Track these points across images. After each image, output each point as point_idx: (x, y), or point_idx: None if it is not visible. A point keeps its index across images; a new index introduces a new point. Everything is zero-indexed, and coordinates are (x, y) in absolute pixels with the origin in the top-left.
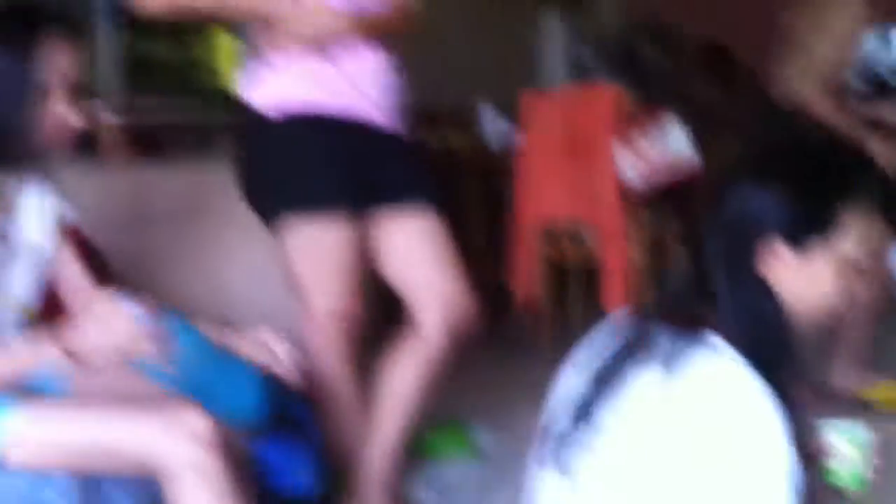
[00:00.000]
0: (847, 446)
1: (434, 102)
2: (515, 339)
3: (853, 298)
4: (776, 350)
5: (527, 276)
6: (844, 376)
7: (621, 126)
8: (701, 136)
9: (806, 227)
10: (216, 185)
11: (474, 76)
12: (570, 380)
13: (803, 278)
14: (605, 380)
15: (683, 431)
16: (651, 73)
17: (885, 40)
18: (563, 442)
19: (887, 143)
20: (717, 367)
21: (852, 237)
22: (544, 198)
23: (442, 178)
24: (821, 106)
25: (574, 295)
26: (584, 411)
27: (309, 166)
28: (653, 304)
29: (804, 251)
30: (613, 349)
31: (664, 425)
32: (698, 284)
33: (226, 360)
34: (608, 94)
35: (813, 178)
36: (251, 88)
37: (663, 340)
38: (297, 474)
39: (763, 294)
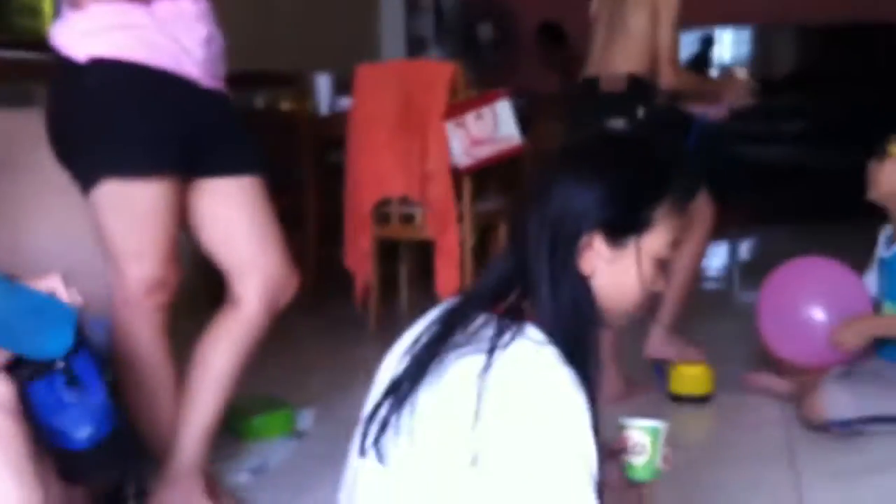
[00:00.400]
0: (643, 439)
1: (266, 66)
2: (345, 319)
3: (658, 288)
4: (588, 343)
5: (359, 253)
6: (659, 345)
7: (454, 104)
8: (531, 118)
9: (624, 226)
10: (26, 135)
11: (310, 44)
12: (392, 364)
13: (617, 272)
14: (424, 365)
15: (495, 419)
16: (487, 52)
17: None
18: (381, 427)
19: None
20: (532, 356)
21: (661, 233)
22: (376, 174)
23: (271, 141)
24: (674, 80)
25: (405, 274)
26: (402, 397)
27: (124, 123)
28: (475, 290)
29: (620, 247)
30: (435, 334)
31: (478, 412)
32: (519, 273)
33: (27, 295)
34: (444, 71)
35: (634, 179)
36: (61, 31)
37: (483, 328)
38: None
39: (580, 288)
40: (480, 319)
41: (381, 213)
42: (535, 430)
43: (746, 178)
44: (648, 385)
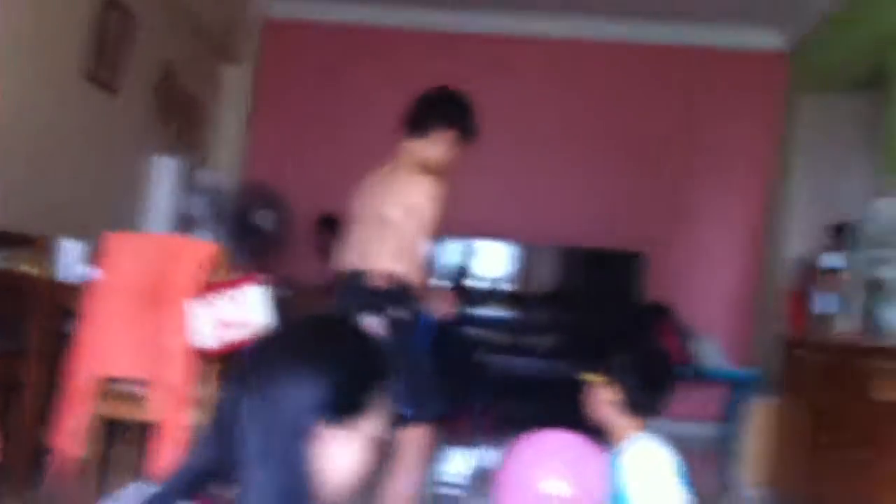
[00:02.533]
0: None
1: (9, 226)
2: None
3: (370, 465)
4: None
5: (72, 433)
6: None
7: (208, 283)
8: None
9: (345, 413)
10: None
11: (70, 207)
12: None
13: (336, 455)
14: None
15: None
16: (262, 239)
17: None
18: None
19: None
20: None
21: (377, 415)
22: (105, 349)
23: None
24: (416, 277)
25: (124, 455)
26: None
27: None
28: (178, 478)
29: (340, 429)
30: None
31: None
32: (224, 462)
33: None
34: (202, 250)
35: (354, 369)
36: None
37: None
38: None
39: (299, 476)
40: None
41: (106, 389)
42: None
43: (496, 386)
44: None
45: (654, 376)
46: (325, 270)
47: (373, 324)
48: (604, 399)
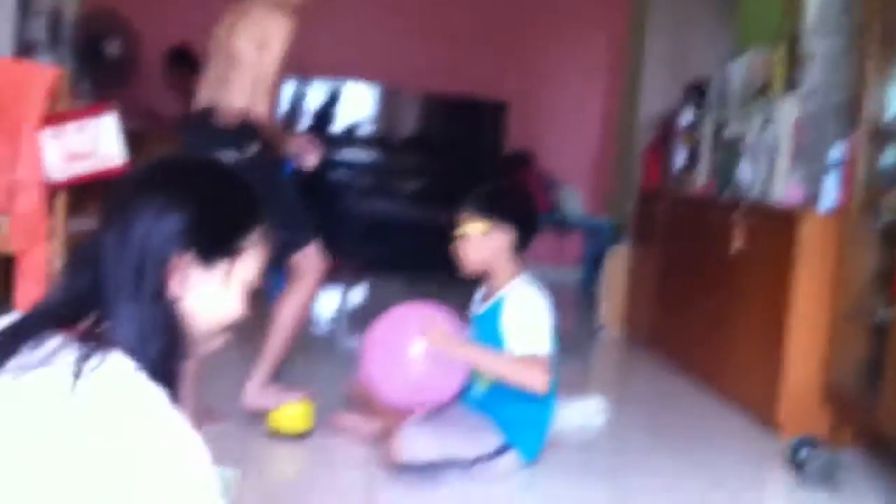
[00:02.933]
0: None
1: None
2: None
3: (242, 314)
4: (172, 370)
5: None
6: (256, 395)
7: (54, 113)
8: (145, 139)
9: (214, 252)
10: None
11: None
12: None
13: (206, 295)
14: None
15: (87, 449)
16: (112, 68)
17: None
18: None
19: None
20: (127, 382)
21: (251, 260)
22: None
23: None
24: (267, 116)
25: None
26: None
27: None
28: (44, 308)
29: (210, 270)
30: None
31: (60, 442)
32: (94, 295)
33: None
34: (46, 75)
35: (221, 209)
36: None
37: (60, 350)
38: None
39: (166, 312)
40: (55, 341)
41: None
42: (147, 459)
43: (362, 230)
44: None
45: (532, 215)
46: (182, 106)
47: (227, 161)
48: (493, 245)
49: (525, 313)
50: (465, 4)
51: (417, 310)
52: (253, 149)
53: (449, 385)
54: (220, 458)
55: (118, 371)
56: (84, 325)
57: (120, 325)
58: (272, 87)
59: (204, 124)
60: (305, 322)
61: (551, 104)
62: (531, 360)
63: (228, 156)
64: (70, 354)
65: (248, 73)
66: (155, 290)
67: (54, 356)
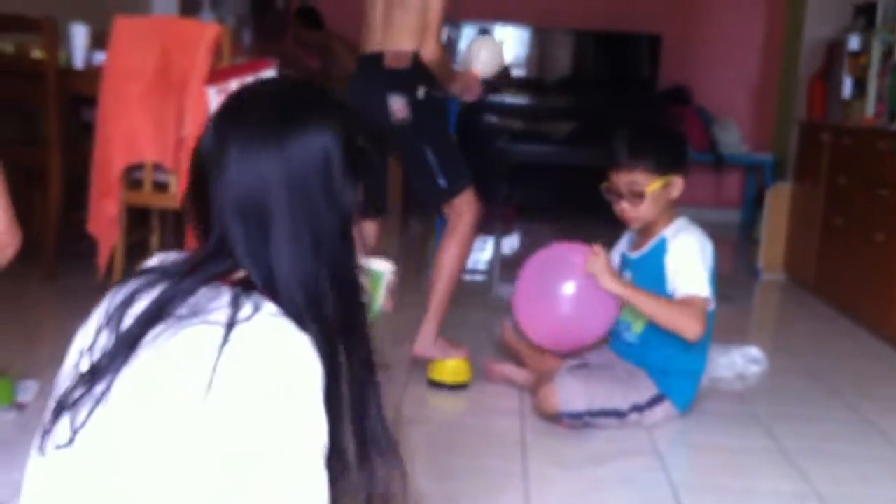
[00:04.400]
0: (364, 281)
1: (16, 9)
2: (87, 288)
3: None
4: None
5: (104, 219)
6: (427, 344)
7: (218, 69)
8: None
9: (355, 179)
10: None
11: None
12: (87, 341)
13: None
14: (135, 341)
15: (232, 396)
16: (275, 19)
17: None
18: (72, 413)
19: None
20: (279, 334)
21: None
22: (128, 137)
23: (17, 91)
24: (436, 57)
25: (156, 244)
26: (100, 375)
27: None
28: (194, 261)
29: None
30: (150, 305)
31: (211, 385)
32: (222, 239)
33: None
34: (208, 32)
35: (359, 130)
36: None
37: (211, 300)
38: None
39: (343, 250)
40: (205, 291)
41: (133, 178)
42: (271, 410)
43: (515, 174)
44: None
45: (686, 161)
46: (310, 61)
47: (398, 104)
48: (667, 198)
49: (689, 254)
50: None
51: (574, 247)
52: (422, 92)
53: (599, 325)
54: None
55: (269, 323)
56: (235, 275)
57: (279, 264)
58: (438, 28)
59: (374, 69)
60: (465, 267)
61: (708, 34)
62: (688, 305)
63: (399, 99)
64: (218, 303)
65: (416, 16)
66: (324, 215)
67: (203, 307)
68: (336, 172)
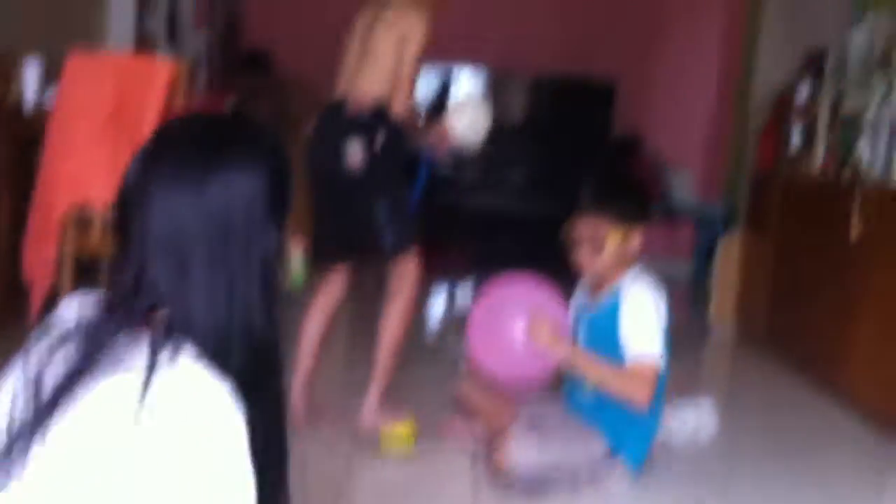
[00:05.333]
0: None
1: None
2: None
3: None
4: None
5: (41, 263)
6: (372, 416)
7: (173, 105)
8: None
9: (279, 217)
10: None
11: (30, 26)
12: (8, 388)
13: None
14: (62, 392)
15: (154, 447)
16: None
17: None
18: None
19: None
20: (197, 378)
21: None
22: (74, 176)
23: None
24: (404, 108)
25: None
26: (29, 431)
27: None
28: (109, 300)
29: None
30: (75, 356)
31: (133, 440)
32: (143, 281)
33: None
34: (163, 68)
35: (287, 169)
36: None
37: (130, 346)
38: None
39: (266, 283)
40: (122, 338)
41: (80, 220)
42: (196, 467)
43: (467, 224)
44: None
45: (648, 215)
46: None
47: (353, 149)
48: (627, 249)
49: (642, 312)
50: None
51: (525, 291)
52: (381, 138)
53: (548, 365)
54: (328, 462)
55: (188, 369)
56: (151, 316)
57: (196, 306)
58: (409, 80)
59: (336, 114)
60: (408, 330)
61: (662, 83)
62: (637, 373)
63: (355, 145)
64: (137, 350)
65: (386, 66)
66: (243, 258)
67: (123, 354)
68: (258, 213)
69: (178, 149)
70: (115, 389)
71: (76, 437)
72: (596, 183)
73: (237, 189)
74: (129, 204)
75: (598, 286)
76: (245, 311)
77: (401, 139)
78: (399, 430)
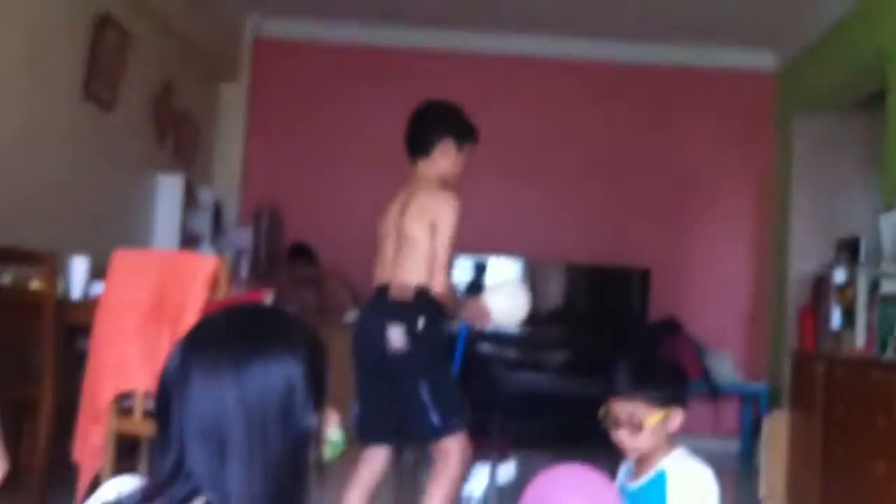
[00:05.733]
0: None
1: (21, 243)
2: None
3: None
4: None
5: (89, 448)
6: None
7: (215, 300)
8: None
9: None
10: None
11: (74, 226)
12: None
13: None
14: None
15: None
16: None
17: None
18: None
19: None
20: None
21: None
22: (119, 365)
23: (13, 322)
24: (443, 290)
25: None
26: None
27: None
28: (149, 487)
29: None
30: None
31: None
32: (182, 467)
33: None
34: (207, 265)
35: (321, 356)
36: None
37: None
38: None
39: (300, 465)
40: None
41: (124, 406)
42: None
43: (510, 404)
44: None
45: (686, 394)
46: (304, 295)
47: (395, 334)
48: (667, 430)
49: (694, 490)
50: (602, 176)
51: (574, 472)
52: (421, 323)
53: None
54: None
55: None
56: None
57: (234, 492)
58: (445, 263)
59: (380, 300)
60: None
61: (696, 269)
62: None
63: (397, 329)
64: None
65: (422, 252)
66: (281, 443)
67: None
68: (296, 400)
69: (219, 338)
70: None
71: None
72: (628, 365)
73: (275, 377)
74: (169, 391)
75: (641, 466)
76: (280, 491)
77: (441, 320)
78: None
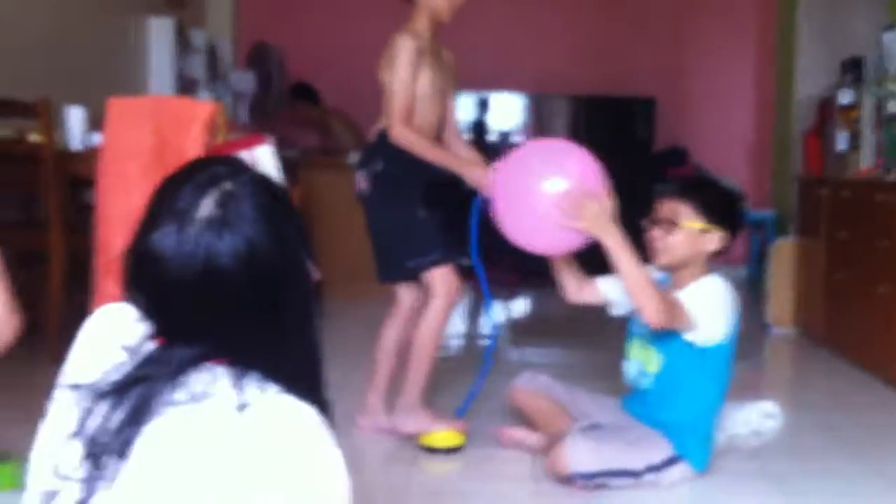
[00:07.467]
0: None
1: (18, 95)
2: None
3: None
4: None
5: (107, 298)
6: (405, 420)
7: (214, 145)
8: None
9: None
10: None
11: (67, 75)
12: (73, 413)
13: None
14: (126, 435)
15: (249, 465)
16: (273, 100)
17: None
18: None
19: None
20: (290, 412)
21: None
22: (127, 217)
23: (16, 174)
24: (404, 135)
25: None
26: (109, 446)
27: None
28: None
29: None
30: (145, 388)
31: (223, 461)
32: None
33: None
34: (204, 110)
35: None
36: None
37: (211, 382)
38: None
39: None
40: (197, 374)
41: None
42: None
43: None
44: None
45: (736, 226)
46: (307, 135)
47: (358, 177)
48: (704, 246)
49: (705, 295)
50: (605, 3)
51: (563, 153)
52: (376, 166)
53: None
54: (382, 464)
55: (278, 403)
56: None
57: (257, 344)
58: (397, 110)
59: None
60: (441, 343)
61: (701, 95)
62: (667, 298)
63: (361, 173)
64: (220, 385)
65: (386, 96)
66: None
67: (203, 390)
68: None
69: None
70: (209, 423)
71: (171, 471)
72: (687, 180)
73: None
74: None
75: (673, 287)
76: (295, 333)
77: (406, 165)
78: (445, 432)
